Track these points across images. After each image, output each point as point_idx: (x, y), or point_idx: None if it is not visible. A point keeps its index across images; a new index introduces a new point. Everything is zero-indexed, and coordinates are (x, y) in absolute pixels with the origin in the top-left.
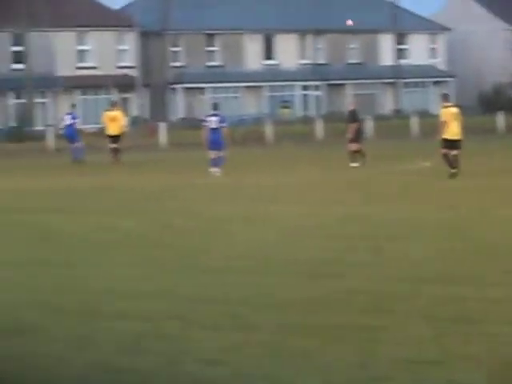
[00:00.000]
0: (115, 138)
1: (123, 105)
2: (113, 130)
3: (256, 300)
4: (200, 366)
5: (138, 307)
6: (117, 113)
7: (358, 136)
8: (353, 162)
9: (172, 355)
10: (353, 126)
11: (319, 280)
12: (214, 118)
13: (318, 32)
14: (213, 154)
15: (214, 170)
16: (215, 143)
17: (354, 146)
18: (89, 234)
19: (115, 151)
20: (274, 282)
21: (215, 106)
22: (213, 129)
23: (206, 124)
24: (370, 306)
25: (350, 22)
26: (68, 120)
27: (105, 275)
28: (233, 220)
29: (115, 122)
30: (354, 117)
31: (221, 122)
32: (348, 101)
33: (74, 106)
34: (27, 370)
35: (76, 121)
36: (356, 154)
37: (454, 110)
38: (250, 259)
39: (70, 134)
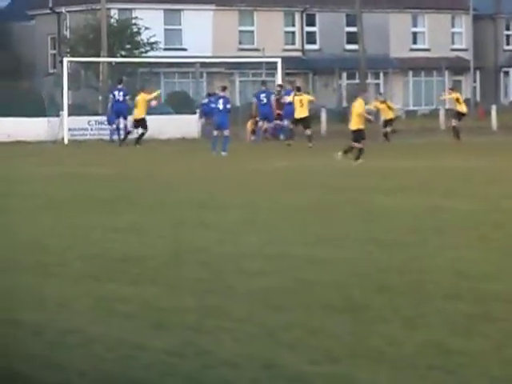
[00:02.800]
0: (461, 116)
1: (456, 87)
2: (462, 108)
3: None
4: None
5: (471, 288)
6: (457, 95)
7: None
8: None
9: (500, 338)
10: None
11: None
12: None
13: None
14: None
15: None
16: None
17: None
18: (422, 215)
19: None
20: None
21: None
22: None
23: None
24: None
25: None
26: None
27: (435, 256)
28: None
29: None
30: None
31: None
32: None
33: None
34: (360, 346)
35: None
36: None
37: None
38: None
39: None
